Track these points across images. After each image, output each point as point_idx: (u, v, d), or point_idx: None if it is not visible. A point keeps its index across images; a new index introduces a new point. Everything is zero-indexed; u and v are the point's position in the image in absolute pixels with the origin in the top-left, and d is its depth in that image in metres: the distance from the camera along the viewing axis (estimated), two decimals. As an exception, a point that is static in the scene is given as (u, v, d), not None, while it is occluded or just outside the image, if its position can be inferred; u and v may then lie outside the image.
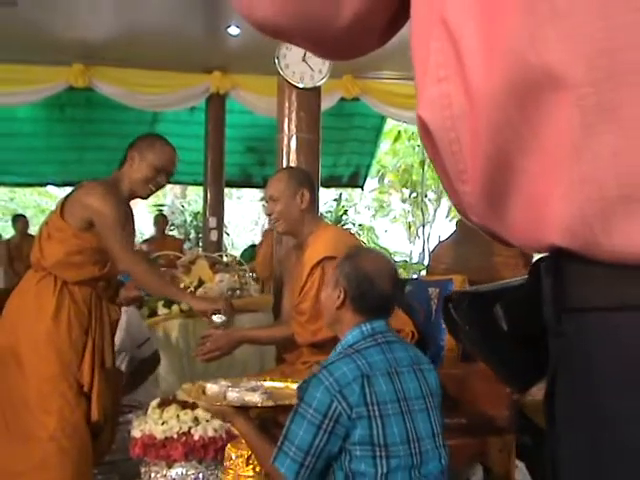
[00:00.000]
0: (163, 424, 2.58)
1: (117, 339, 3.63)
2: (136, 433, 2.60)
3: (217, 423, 2.60)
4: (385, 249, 12.93)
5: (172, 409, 2.65)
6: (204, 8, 6.82)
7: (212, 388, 2.37)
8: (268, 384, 2.49)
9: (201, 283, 4.34)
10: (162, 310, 4.03)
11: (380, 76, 8.73)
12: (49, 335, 2.81)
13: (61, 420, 2.74)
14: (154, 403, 2.72)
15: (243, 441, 2.26)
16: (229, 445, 2.39)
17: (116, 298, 3.14)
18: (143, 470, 2.63)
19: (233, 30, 7.25)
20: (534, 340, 0.71)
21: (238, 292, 4.73)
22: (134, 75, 8.05)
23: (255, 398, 2.25)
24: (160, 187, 3.14)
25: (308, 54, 4.51)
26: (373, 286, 2.12)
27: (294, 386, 2.28)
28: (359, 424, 1.92)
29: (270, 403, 2.25)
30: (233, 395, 2.27)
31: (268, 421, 2.30)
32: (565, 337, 0.60)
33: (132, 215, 3.09)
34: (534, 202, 0.59)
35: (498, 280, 3.00)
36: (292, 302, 2.98)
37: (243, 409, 2.21)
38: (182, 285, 4.14)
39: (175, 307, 4.17)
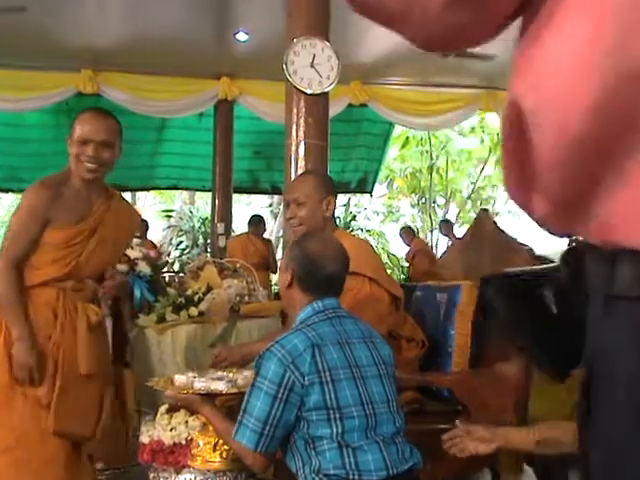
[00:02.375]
0: (171, 430, 2.57)
1: None
2: (144, 439, 2.60)
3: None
4: (394, 255, 12.90)
5: (180, 415, 2.64)
6: (212, 14, 6.85)
7: (180, 379, 2.43)
8: (233, 375, 2.54)
9: (209, 289, 4.33)
10: (170, 316, 4.02)
11: (388, 82, 8.74)
12: (5, 342, 2.64)
13: (13, 431, 2.60)
14: (162, 409, 2.71)
15: (210, 429, 2.32)
16: (197, 433, 2.41)
17: (97, 297, 2.89)
18: (152, 476, 2.62)
19: (241, 36, 7.27)
20: (580, 324, 0.74)
21: (247, 298, 4.71)
22: (142, 81, 8.08)
23: (220, 386, 2.32)
24: (100, 162, 2.70)
25: (316, 60, 4.52)
26: (317, 266, 2.19)
27: None
28: (312, 390, 2.00)
29: (234, 390, 2.33)
30: (200, 384, 2.34)
31: (233, 408, 2.37)
32: (612, 322, 0.64)
33: (67, 202, 2.71)
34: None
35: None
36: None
37: (209, 397, 2.30)
38: (190, 291, 4.13)
39: (184, 313, 4.16)
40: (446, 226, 9.88)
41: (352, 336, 2.16)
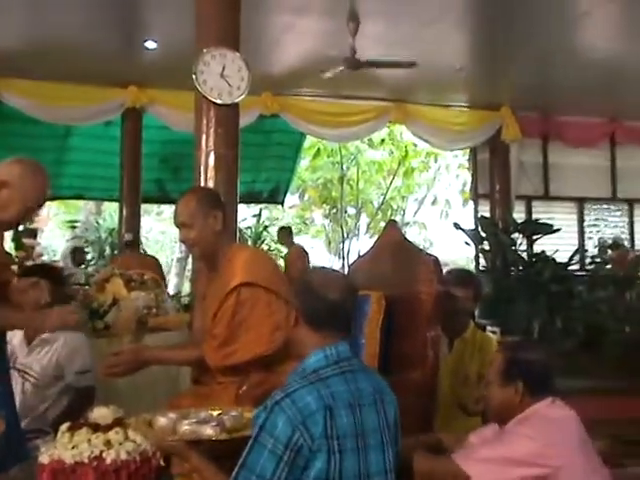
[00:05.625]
0: (73, 448, 2.47)
1: (50, 355, 3.52)
2: (44, 459, 2.48)
3: (130, 446, 2.52)
4: (305, 265, 12.91)
5: (83, 433, 2.55)
6: (120, 21, 6.72)
7: (160, 421, 2.26)
8: (218, 414, 2.36)
9: (115, 302, 4.23)
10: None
11: (299, 93, 8.79)
12: None
13: None
14: (63, 427, 2.61)
15: (195, 476, 2.20)
16: (179, 478, 2.32)
17: None
18: (52, 497, 2.52)
19: (150, 44, 7.16)
20: None
21: (154, 310, 4.63)
22: (46, 88, 7.85)
23: (208, 431, 2.16)
24: None
25: (226, 70, 4.49)
26: (319, 295, 2.09)
27: (249, 414, 2.21)
28: (319, 456, 1.89)
29: (224, 436, 2.17)
30: (185, 428, 2.18)
31: (221, 454, 2.18)
32: None
33: None
34: None
35: (414, 295, 3.03)
36: (204, 324, 2.93)
37: (195, 443, 2.13)
38: (95, 304, 4.03)
39: (89, 326, 4.05)
40: (283, 233, 9.62)
41: (364, 396, 2.04)
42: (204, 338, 2.89)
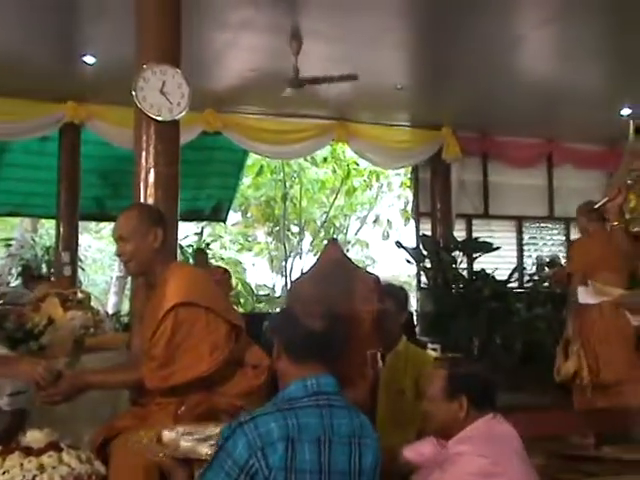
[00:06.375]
0: (4, 473, 2.39)
1: None
2: (-28, 487, 2.40)
3: (64, 470, 2.44)
4: (248, 284, 12.88)
5: (15, 457, 2.47)
6: (58, 35, 6.60)
7: (168, 435, 2.25)
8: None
9: (51, 322, 4.12)
10: (1, 350, 3.77)
11: (242, 111, 8.77)
12: None
13: None
14: (-7, 452, 2.52)
15: None
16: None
17: None
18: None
19: (89, 59, 7.05)
20: None
21: (92, 330, 4.52)
22: (-20, 102, 7.64)
23: (204, 449, 2.13)
24: None
25: (166, 87, 4.45)
26: (299, 324, 2.03)
27: None
28: None
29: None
30: (184, 444, 2.16)
31: None
32: None
33: None
34: None
35: (354, 313, 3.03)
36: (142, 345, 2.88)
37: (187, 462, 2.10)
38: (29, 324, 3.91)
39: (23, 347, 3.93)
40: (199, 255, 9.43)
41: (338, 434, 1.93)
42: (142, 360, 2.83)
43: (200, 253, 9.42)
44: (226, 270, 9.07)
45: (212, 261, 11.25)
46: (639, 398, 4.77)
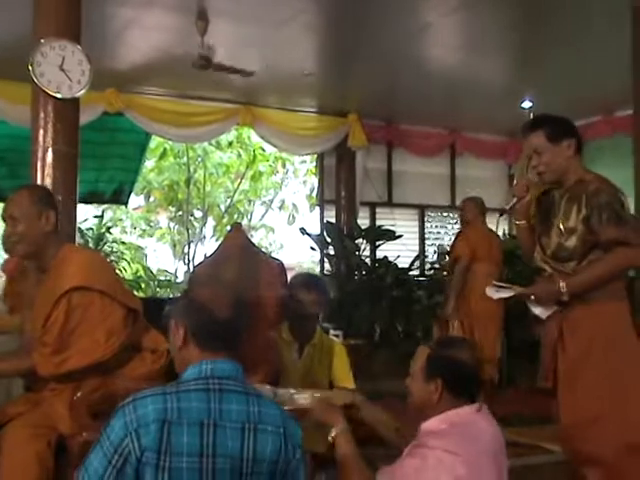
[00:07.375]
0: None
1: None
2: None
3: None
4: (149, 268, 12.63)
5: None
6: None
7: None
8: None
9: (-62, 306, 3.91)
10: None
11: (145, 92, 8.55)
12: None
13: None
14: None
15: None
16: None
17: None
18: None
19: (-17, 31, 6.70)
20: None
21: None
22: None
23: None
24: None
25: (66, 63, 4.30)
26: (209, 313, 1.99)
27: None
28: (147, 470, 1.79)
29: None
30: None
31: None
32: None
33: None
34: None
35: (257, 299, 3.01)
36: (34, 331, 2.78)
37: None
38: None
39: None
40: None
41: (228, 419, 1.87)
42: (34, 346, 2.74)
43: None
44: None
45: (114, 245, 10.99)
46: None
